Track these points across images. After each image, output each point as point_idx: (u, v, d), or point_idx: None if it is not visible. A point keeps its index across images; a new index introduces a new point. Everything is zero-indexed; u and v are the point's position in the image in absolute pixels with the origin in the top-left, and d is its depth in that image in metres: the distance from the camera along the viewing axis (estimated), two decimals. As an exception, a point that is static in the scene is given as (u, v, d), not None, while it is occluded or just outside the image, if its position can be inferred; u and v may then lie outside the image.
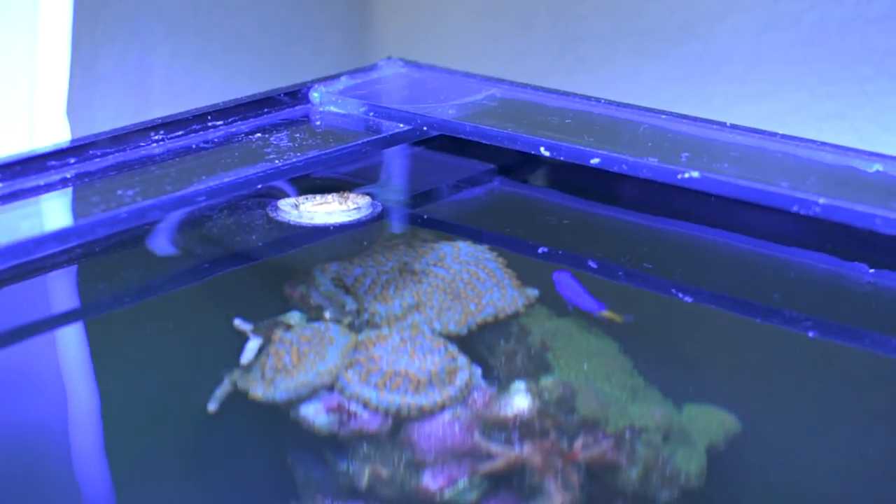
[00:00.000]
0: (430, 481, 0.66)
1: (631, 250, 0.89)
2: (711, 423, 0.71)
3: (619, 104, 0.95)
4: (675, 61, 1.24)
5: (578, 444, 0.68)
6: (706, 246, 0.89)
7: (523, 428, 0.69)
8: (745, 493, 0.67)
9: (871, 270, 0.83)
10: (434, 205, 0.98)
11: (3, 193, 0.84)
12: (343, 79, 1.04)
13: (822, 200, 0.78)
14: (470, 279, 0.82)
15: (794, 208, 0.79)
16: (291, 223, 0.91)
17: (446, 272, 0.82)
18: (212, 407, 0.72)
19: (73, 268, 0.85)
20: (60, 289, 0.86)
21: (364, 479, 0.66)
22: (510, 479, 0.66)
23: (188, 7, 1.19)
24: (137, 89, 1.13)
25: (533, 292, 0.81)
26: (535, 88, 1.01)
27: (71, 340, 0.81)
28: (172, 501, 0.67)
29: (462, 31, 1.32)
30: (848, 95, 1.18)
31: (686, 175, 0.82)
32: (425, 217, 0.95)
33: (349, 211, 0.92)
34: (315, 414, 0.71)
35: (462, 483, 0.66)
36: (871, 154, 0.84)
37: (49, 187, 0.86)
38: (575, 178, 0.96)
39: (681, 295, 0.83)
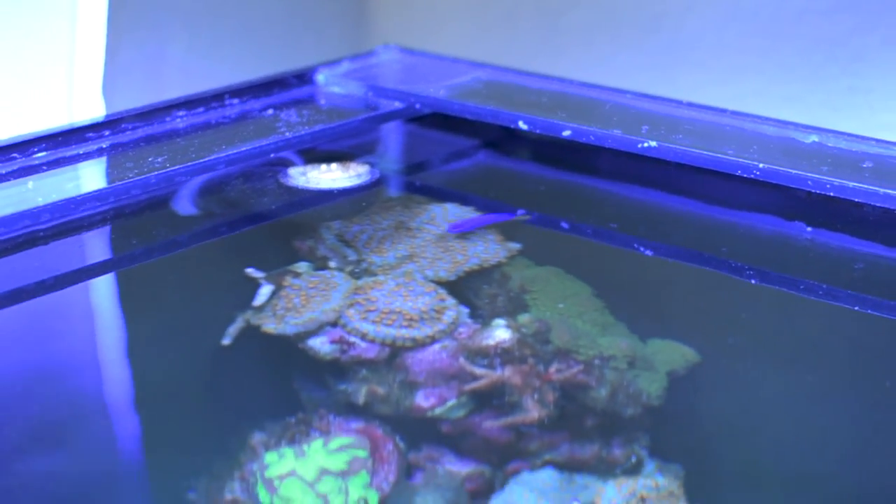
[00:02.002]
0: (423, 400, 0.74)
1: (599, 212, 0.98)
2: (672, 354, 0.78)
3: (589, 85, 1.04)
4: (647, 50, 1.32)
5: (553, 368, 0.76)
6: (664, 208, 0.98)
7: (504, 355, 0.77)
8: (702, 409, 0.75)
9: (809, 229, 0.92)
10: (426, 174, 1.07)
11: (47, 160, 0.93)
12: (345, 63, 1.12)
13: (761, 165, 0.87)
14: (458, 232, 0.91)
15: (738, 172, 0.88)
16: (300, 188, 1.00)
17: (437, 228, 0.92)
18: (226, 341, 0.80)
19: (108, 226, 0.94)
20: (97, 244, 0.94)
21: (361, 397, 0.74)
22: (493, 397, 0.74)
23: (201, 2, 1.27)
24: (155, 76, 1.22)
25: (514, 245, 0.90)
26: (517, 72, 1.10)
27: (106, 287, 0.90)
28: (192, 419, 0.75)
29: (453, 21, 1.40)
30: (801, 80, 1.26)
31: (645, 144, 0.92)
32: (418, 184, 1.04)
33: (351, 178, 1.01)
34: (320, 345, 0.79)
35: (451, 401, 0.74)
36: (808, 127, 0.94)
37: (87, 156, 0.95)
38: (550, 151, 1.05)
39: (642, 249, 0.92)
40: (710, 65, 1.29)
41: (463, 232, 0.86)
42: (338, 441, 0.69)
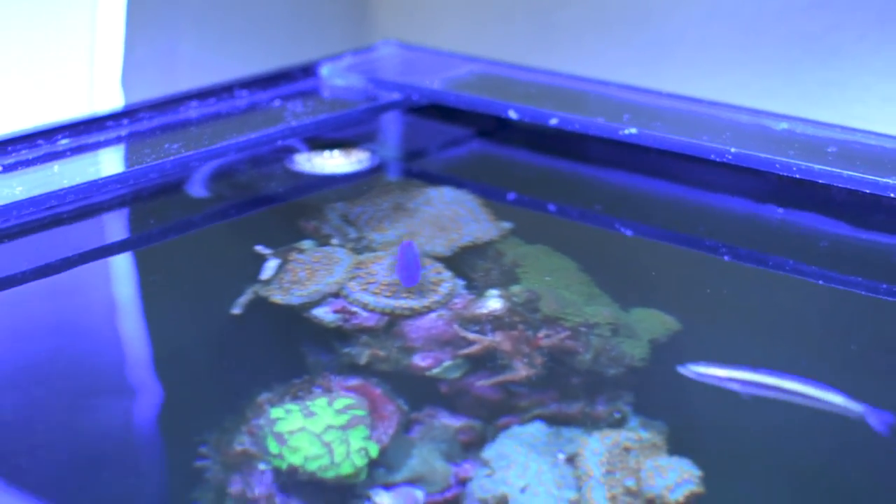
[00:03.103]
0: (420, 361, 0.80)
1: (584, 196, 1.04)
2: (654, 322, 0.83)
3: (577, 77, 1.10)
4: (635, 45, 1.35)
5: (541, 334, 0.81)
6: (644, 191, 1.04)
7: (496, 323, 0.82)
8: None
9: (781, 210, 0.98)
10: (423, 160, 1.13)
11: (70, 147, 0.99)
12: (347, 57, 1.17)
13: (733, 150, 0.93)
14: (453, 215, 0.97)
15: (712, 157, 0.94)
16: (305, 173, 1.05)
17: (433, 209, 0.97)
18: (236, 311, 0.85)
19: (127, 208, 1.00)
20: (116, 225, 1.00)
21: (364, 359, 0.80)
22: (485, 360, 0.79)
23: (211, 1, 1.32)
24: (170, 70, 1.27)
25: (506, 225, 0.95)
26: (509, 65, 1.15)
27: (125, 264, 0.96)
28: (204, 381, 0.80)
29: (450, 18, 1.43)
30: (780, 74, 1.30)
31: (626, 131, 0.98)
32: (415, 169, 1.10)
33: (352, 163, 1.06)
34: (323, 314, 0.84)
35: (446, 363, 0.80)
36: (779, 115, 0.99)
37: (107, 143, 1.01)
38: (539, 140, 1.11)
39: (624, 229, 0.98)
40: (694, 59, 1.33)
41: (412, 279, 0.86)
42: (341, 401, 0.75)
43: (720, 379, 0.77)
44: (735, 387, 0.76)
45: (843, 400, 0.75)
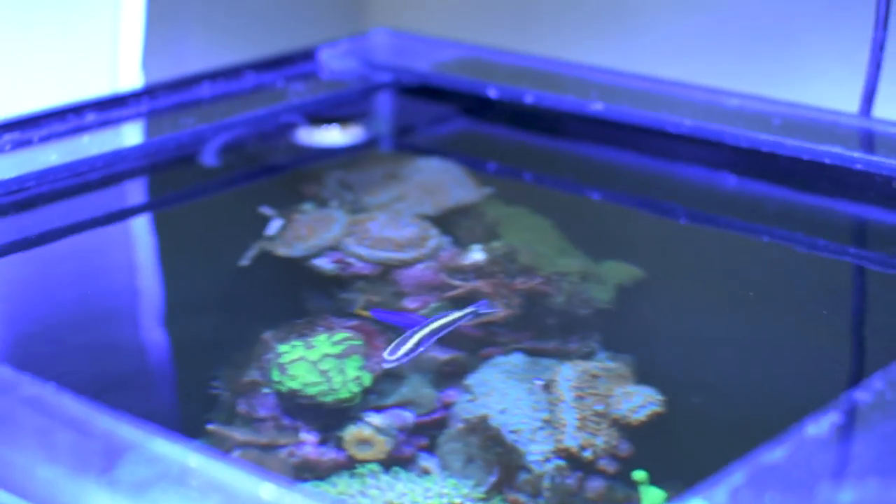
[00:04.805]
0: (410, 304, 0.87)
1: (557, 166, 1.12)
2: (620, 271, 0.90)
3: (552, 60, 1.18)
4: (609, 33, 1.41)
5: (518, 280, 0.88)
6: (611, 161, 1.12)
7: (478, 271, 0.89)
8: (646, 311, 0.88)
9: (734, 177, 1.06)
10: (412, 135, 1.20)
11: (95, 122, 1.07)
12: (344, 43, 1.23)
13: (687, 122, 1.02)
14: (440, 181, 1.04)
15: (669, 129, 1.03)
16: (306, 146, 1.13)
17: (422, 176, 1.05)
18: (244, 262, 0.92)
19: (146, 177, 1.08)
20: (137, 191, 1.08)
21: (360, 303, 0.87)
22: (467, 302, 0.84)
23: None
24: (182, 55, 1.33)
25: (488, 190, 1.03)
26: (491, 50, 1.22)
27: (145, 225, 1.04)
28: (215, 324, 0.86)
29: (439, 9, 1.50)
30: (741, 59, 1.33)
31: (593, 107, 1.06)
32: (405, 143, 1.18)
33: (349, 138, 1.14)
34: (323, 264, 0.91)
35: (433, 304, 0.86)
36: (731, 93, 1.07)
37: (129, 118, 1.09)
38: (518, 118, 1.17)
39: (592, 195, 1.07)
40: (663, 46, 1.39)
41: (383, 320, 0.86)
42: (339, 335, 0.81)
43: (411, 350, 0.78)
44: (422, 348, 0.78)
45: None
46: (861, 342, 0.85)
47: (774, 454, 0.57)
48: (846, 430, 0.60)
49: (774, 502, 0.54)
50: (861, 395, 0.62)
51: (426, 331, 0.78)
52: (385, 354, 0.76)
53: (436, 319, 0.80)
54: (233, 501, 0.54)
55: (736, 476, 0.55)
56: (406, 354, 0.77)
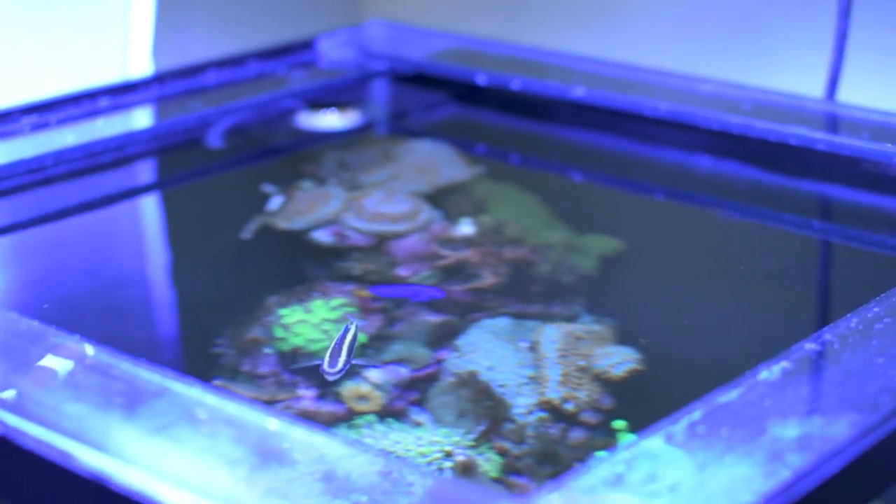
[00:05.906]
0: (403, 272, 0.91)
1: (542, 148, 1.17)
2: (602, 243, 0.94)
3: (538, 49, 1.23)
4: (592, 28, 1.45)
5: (505, 250, 0.93)
6: (592, 143, 1.17)
7: (467, 243, 0.94)
8: (627, 279, 0.91)
9: (708, 158, 1.11)
10: (406, 120, 1.25)
11: (108, 107, 1.12)
12: (342, 33, 1.27)
13: (662, 106, 1.07)
14: (432, 161, 1.10)
15: (646, 113, 1.08)
16: (305, 129, 1.17)
17: (415, 157, 1.10)
18: (246, 235, 0.96)
19: (155, 158, 1.12)
20: (147, 170, 1.13)
21: (357, 271, 0.91)
22: (457, 270, 0.90)
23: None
24: (189, 44, 1.37)
25: (478, 170, 1.08)
26: (480, 40, 1.27)
27: (155, 202, 1.09)
28: (220, 290, 0.90)
29: (433, 1, 1.55)
30: (718, 48, 1.37)
31: (576, 92, 1.12)
32: (400, 127, 1.23)
33: (346, 122, 1.19)
34: (322, 236, 0.96)
35: (424, 272, 0.91)
36: (705, 79, 1.12)
37: (140, 103, 1.14)
38: (506, 104, 1.21)
39: (575, 175, 1.12)
40: (642, 36, 1.43)
41: (382, 296, 0.88)
42: (336, 300, 0.86)
43: (347, 361, 0.78)
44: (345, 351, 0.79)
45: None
46: (822, 306, 0.90)
47: (729, 395, 0.62)
48: (795, 374, 0.65)
49: (727, 436, 0.59)
50: (810, 346, 0.67)
51: (349, 339, 0.80)
52: (325, 367, 0.77)
53: (351, 328, 0.81)
54: (243, 433, 0.59)
55: (694, 413, 0.60)
56: (344, 366, 0.78)
